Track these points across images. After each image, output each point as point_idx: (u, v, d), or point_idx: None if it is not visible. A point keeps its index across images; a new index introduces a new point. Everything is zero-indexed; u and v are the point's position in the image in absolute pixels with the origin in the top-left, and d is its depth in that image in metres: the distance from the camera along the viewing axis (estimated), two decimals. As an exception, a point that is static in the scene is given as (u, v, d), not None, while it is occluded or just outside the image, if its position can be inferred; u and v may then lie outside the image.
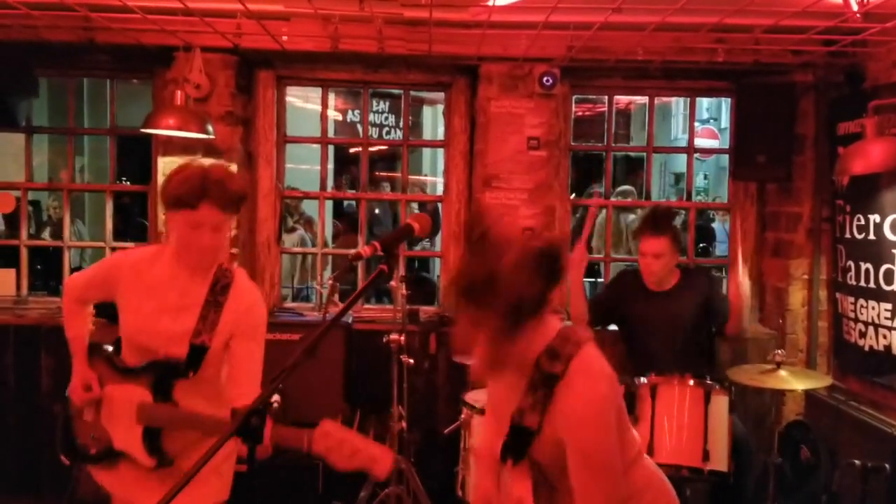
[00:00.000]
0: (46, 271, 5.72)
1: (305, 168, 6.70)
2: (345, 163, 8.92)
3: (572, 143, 4.91)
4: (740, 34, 4.02)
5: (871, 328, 3.91)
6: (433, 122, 10.01)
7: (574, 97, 4.90)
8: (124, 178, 5.76)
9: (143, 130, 4.14)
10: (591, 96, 6.03)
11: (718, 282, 4.36)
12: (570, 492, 1.79)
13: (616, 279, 4.29)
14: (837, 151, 4.16)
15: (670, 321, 3.76)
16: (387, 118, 9.65)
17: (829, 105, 4.39)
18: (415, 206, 5.99)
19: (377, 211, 9.16)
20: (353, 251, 4.48)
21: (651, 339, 3.81)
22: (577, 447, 1.74)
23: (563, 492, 1.83)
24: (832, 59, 4.24)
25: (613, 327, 4.18)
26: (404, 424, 3.93)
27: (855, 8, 3.34)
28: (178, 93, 4.10)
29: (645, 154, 5.08)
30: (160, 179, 4.49)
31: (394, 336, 3.87)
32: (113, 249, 4.86)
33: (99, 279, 2.58)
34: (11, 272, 4.83)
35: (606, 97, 4.96)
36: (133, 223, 6.99)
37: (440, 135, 8.23)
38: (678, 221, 5.08)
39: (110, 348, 2.61)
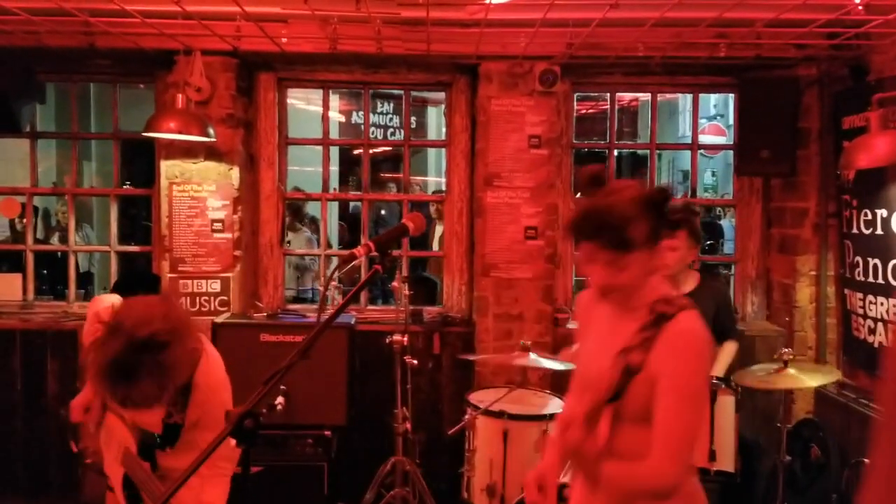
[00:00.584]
0: (53, 276, 5.74)
1: (311, 170, 6.71)
2: (351, 164, 8.93)
3: (574, 141, 4.89)
4: (741, 28, 3.98)
5: (880, 324, 3.88)
6: (438, 122, 10.00)
7: (575, 95, 4.88)
8: (128, 182, 5.76)
9: (144, 134, 4.15)
10: (593, 94, 6.00)
11: (728, 293, 4.29)
12: (645, 441, 1.84)
13: None
14: (842, 145, 4.12)
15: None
16: (391, 119, 9.65)
17: (833, 99, 4.35)
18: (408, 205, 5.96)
19: (383, 212, 9.17)
20: (347, 252, 4.50)
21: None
22: (670, 374, 1.80)
23: (634, 431, 1.88)
24: (835, 52, 4.20)
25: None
26: (409, 425, 3.92)
27: (857, 0, 3.31)
28: (179, 96, 4.11)
29: (657, 151, 5.05)
30: (163, 183, 4.51)
31: (397, 337, 3.86)
32: (118, 254, 4.88)
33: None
34: (17, 277, 4.86)
35: (608, 94, 4.94)
36: (139, 226, 7.01)
37: (444, 135, 8.23)
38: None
39: None
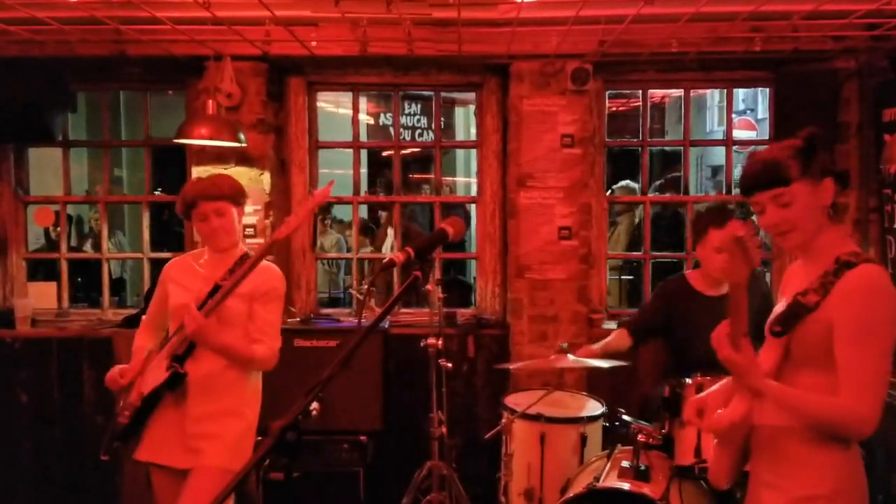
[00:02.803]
0: (87, 283, 5.78)
1: (340, 173, 6.69)
2: (379, 166, 8.91)
3: (607, 140, 4.83)
4: (778, 21, 3.90)
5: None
6: (466, 122, 9.96)
7: (607, 93, 4.82)
8: (160, 189, 5.80)
9: (175, 141, 4.15)
10: (624, 91, 5.93)
11: (771, 292, 4.19)
12: (813, 386, 1.94)
13: (661, 290, 4.04)
14: (884, 139, 4.03)
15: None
16: (419, 120, 9.61)
17: (874, 91, 4.25)
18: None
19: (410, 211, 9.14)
20: (386, 257, 4.47)
21: (702, 345, 3.66)
22: (846, 318, 1.87)
23: (804, 375, 1.98)
24: (875, 43, 4.11)
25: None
26: (444, 430, 3.88)
27: (898, -11, 3.23)
28: (210, 102, 4.11)
29: (681, 147, 4.97)
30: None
31: (431, 340, 3.82)
32: (150, 261, 4.90)
33: (157, 291, 3.09)
34: (52, 285, 4.90)
35: (641, 91, 4.87)
36: (171, 232, 7.05)
37: (473, 135, 8.18)
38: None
39: None
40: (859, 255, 1.96)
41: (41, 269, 5.25)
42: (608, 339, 3.86)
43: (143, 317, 3.17)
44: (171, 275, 3.02)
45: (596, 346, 3.82)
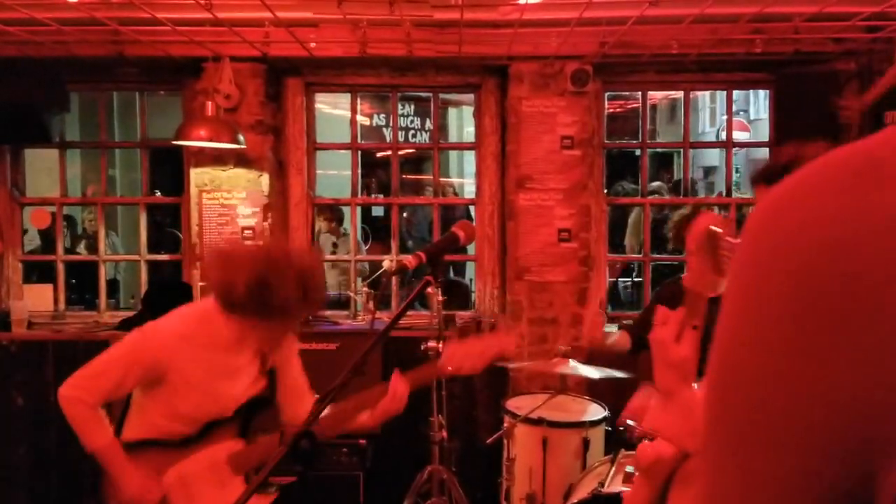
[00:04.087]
0: (81, 285, 5.73)
1: (332, 174, 6.66)
2: (371, 167, 8.87)
3: (606, 141, 4.82)
4: (779, 23, 3.90)
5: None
6: (458, 123, 9.93)
7: (606, 94, 4.81)
8: (157, 192, 5.75)
9: (174, 142, 4.12)
10: (623, 93, 5.93)
11: None
12: None
13: (659, 294, 4.07)
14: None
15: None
16: (412, 121, 9.58)
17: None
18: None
19: (405, 214, 9.11)
20: (387, 261, 4.45)
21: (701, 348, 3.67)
22: None
23: None
24: (876, 45, 4.11)
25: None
26: (444, 433, 3.86)
27: (902, -8, 3.23)
28: (209, 104, 4.08)
29: (674, 150, 4.97)
30: (193, 191, 4.48)
31: (431, 343, 3.79)
32: (148, 262, 4.86)
33: (138, 368, 2.30)
34: (48, 287, 4.85)
35: (640, 93, 4.87)
36: (165, 234, 7.00)
37: (466, 136, 8.14)
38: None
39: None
40: None
41: (35, 271, 5.20)
42: (614, 336, 3.87)
43: (84, 394, 2.28)
44: (175, 368, 2.29)
45: (607, 340, 3.82)
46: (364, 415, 2.43)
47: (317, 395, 2.42)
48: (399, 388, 2.38)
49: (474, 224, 5.06)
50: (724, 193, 5.12)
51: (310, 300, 2.22)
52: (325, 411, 1.99)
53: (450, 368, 2.40)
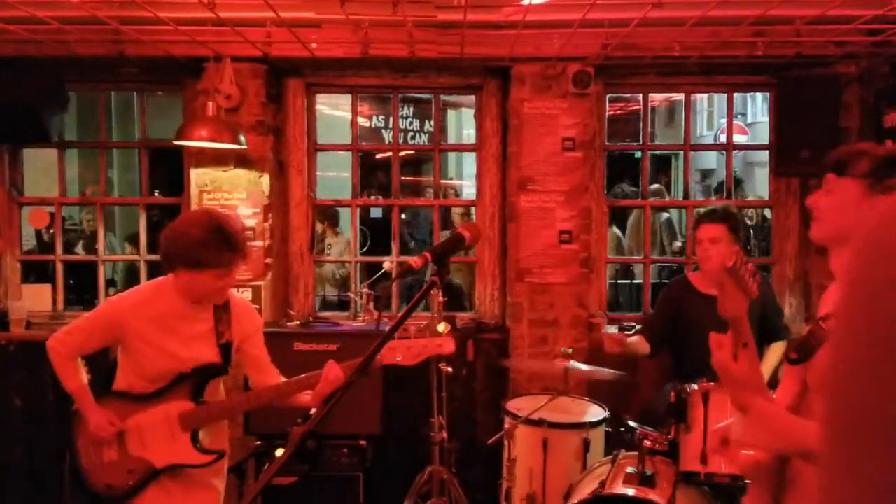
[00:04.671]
0: (79, 285, 5.71)
1: (332, 175, 6.65)
2: (370, 168, 8.87)
3: (607, 143, 4.82)
4: (781, 26, 3.90)
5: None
6: (458, 125, 9.93)
7: (608, 96, 4.81)
8: (155, 191, 5.73)
9: (175, 143, 4.11)
10: (625, 95, 5.93)
11: (773, 293, 4.21)
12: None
13: (665, 293, 4.11)
14: (885, 144, 4.03)
15: (725, 326, 3.62)
16: (412, 122, 9.58)
17: (875, 96, 4.27)
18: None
19: (403, 216, 9.10)
20: (387, 262, 4.44)
21: (704, 344, 3.68)
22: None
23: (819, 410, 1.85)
24: (876, 49, 4.12)
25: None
26: (444, 434, 3.86)
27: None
28: (210, 104, 4.07)
29: (673, 152, 4.98)
30: (193, 191, 4.47)
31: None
32: (147, 263, 4.84)
33: (99, 329, 2.72)
34: (47, 287, 4.84)
35: (640, 95, 4.87)
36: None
37: (465, 139, 8.13)
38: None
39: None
40: None
41: (33, 271, 5.18)
42: (633, 337, 3.88)
43: (60, 346, 2.72)
44: (132, 328, 2.66)
45: (628, 339, 3.83)
46: (305, 395, 2.77)
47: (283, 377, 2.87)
48: (331, 373, 2.64)
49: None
50: (723, 196, 5.13)
51: (230, 244, 2.57)
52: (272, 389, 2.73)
53: (387, 361, 2.68)
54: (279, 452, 2.58)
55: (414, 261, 1.98)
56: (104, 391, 2.77)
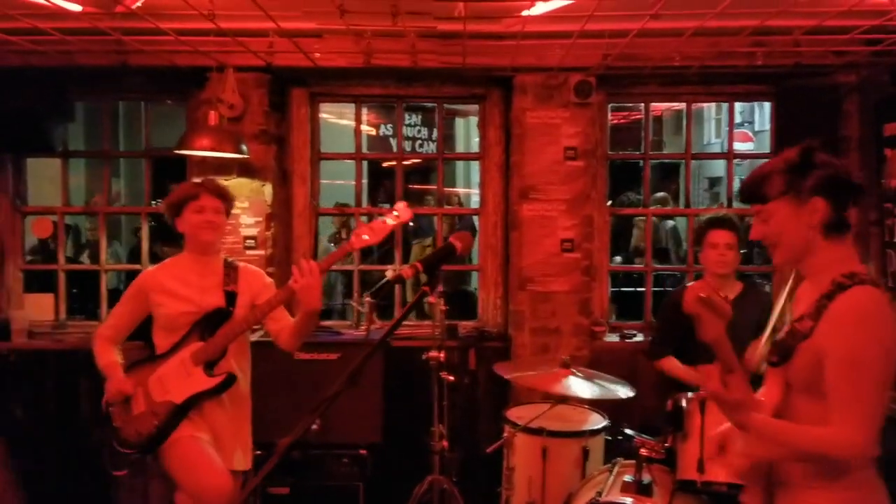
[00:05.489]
0: (83, 294, 5.73)
1: (340, 183, 6.68)
2: (378, 177, 8.90)
3: (609, 153, 4.83)
4: (780, 36, 3.91)
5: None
6: (466, 133, 9.96)
7: (610, 105, 4.82)
8: (160, 200, 5.76)
9: (177, 152, 4.14)
10: (627, 104, 5.95)
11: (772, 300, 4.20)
12: (814, 414, 1.88)
13: (666, 304, 4.09)
14: (885, 154, 4.03)
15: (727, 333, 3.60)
16: (419, 131, 9.62)
17: (875, 106, 4.27)
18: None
19: (411, 224, 9.11)
20: (390, 271, 4.44)
21: (704, 352, 3.66)
22: (836, 345, 1.82)
23: (804, 403, 1.92)
24: (876, 58, 4.12)
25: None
26: (446, 443, 3.86)
27: (902, 5, 3.24)
28: (212, 113, 4.10)
29: (680, 160, 4.98)
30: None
31: (433, 353, 3.80)
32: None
33: (131, 299, 3.19)
34: (49, 297, 4.85)
35: (643, 105, 4.88)
36: (169, 244, 7.02)
37: (473, 146, 8.16)
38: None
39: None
40: (854, 276, 1.88)
41: (36, 281, 5.19)
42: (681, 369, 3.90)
43: (101, 328, 3.25)
44: (155, 285, 3.13)
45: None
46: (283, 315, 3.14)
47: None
48: (302, 265, 2.89)
49: (477, 233, 5.08)
50: (724, 204, 5.13)
51: (202, 185, 3.17)
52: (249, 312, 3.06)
53: (356, 246, 2.97)
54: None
55: (405, 270, 2.00)
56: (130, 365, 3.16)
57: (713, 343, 1.85)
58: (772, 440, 1.90)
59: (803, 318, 1.91)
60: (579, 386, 3.52)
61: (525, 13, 3.56)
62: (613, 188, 6.89)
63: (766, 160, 2.08)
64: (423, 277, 2.09)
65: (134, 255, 6.02)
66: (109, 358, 3.15)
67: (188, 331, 3.08)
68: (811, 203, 1.91)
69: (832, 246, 1.94)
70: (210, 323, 3.09)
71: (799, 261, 1.98)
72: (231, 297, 3.13)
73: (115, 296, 5.27)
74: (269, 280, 3.32)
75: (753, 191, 2.00)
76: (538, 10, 3.52)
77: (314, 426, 3.69)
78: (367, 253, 6.36)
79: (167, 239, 6.14)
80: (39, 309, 4.82)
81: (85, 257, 6.81)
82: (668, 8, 3.13)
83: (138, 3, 3.38)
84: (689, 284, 3.38)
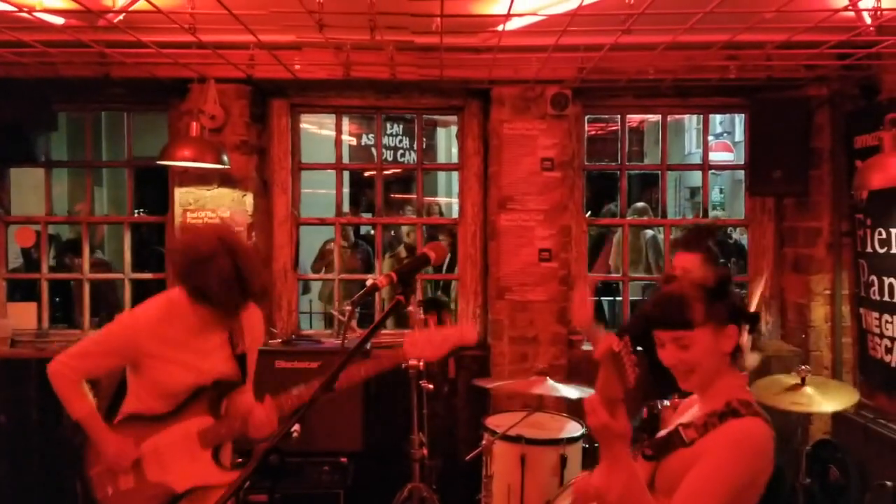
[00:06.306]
0: (66, 303, 5.74)
1: (323, 192, 6.71)
2: (360, 186, 8.94)
3: (586, 163, 4.90)
4: (752, 50, 4.00)
5: (896, 344, 3.86)
6: (447, 143, 10.02)
7: (586, 117, 4.89)
8: (142, 210, 5.78)
9: (159, 163, 4.17)
10: (603, 116, 6.03)
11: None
12: None
13: (641, 308, 4.17)
14: (855, 165, 4.12)
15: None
16: (401, 140, 9.66)
17: (845, 118, 4.35)
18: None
19: (393, 233, 9.17)
20: (369, 281, 4.48)
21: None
22: (709, 461, 1.84)
23: None
24: (846, 72, 4.21)
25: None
26: (425, 451, 3.90)
27: (868, 21, 3.32)
28: (194, 124, 4.13)
29: (659, 171, 5.06)
30: (177, 210, 4.52)
31: (412, 361, 3.83)
32: (132, 281, 4.89)
33: (113, 351, 2.63)
34: (32, 306, 4.86)
35: (619, 116, 4.96)
36: (152, 252, 7.03)
37: (454, 156, 8.22)
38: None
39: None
40: (750, 407, 1.93)
41: (19, 289, 5.21)
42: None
43: (70, 370, 2.62)
44: (149, 346, 2.57)
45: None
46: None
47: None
48: (258, 415, 2.55)
49: (447, 244, 5.12)
50: (700, 214, 5.21)
51: (249, 295, 2.50)
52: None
53: (412, 356, 2.61)
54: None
55: (379, 280, 2.04)
56: (114, 415, 2.67)
57: (607, 401, 1.78)
58: (628, 487, 1.82)
59: (689, 427, 1.94)
60: (556, 390, 3.59)
61: (500, 27, 3.63)
62: (595, 199, 6.98)
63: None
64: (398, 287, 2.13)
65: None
66: (86, 406, 2.61)
67: (189, 397, 2.63)
68: (727, 329, 1.97)
69: (733, 372, 2.01)
70: (220, 392, 2.67)
71: (707, 386, 2.00)
72: (242, 362, 2.72)
73: (96, 304, 5.30)
74: (263, 337, 2.96)
75: (675, 317, 1.97)
76: (513, 24, 3.59)
77: (294, 434, 3.70)
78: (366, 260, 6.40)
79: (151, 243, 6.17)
80: (22, 318, 4.82)
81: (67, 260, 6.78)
82: (640, 23, 3.19)
83: (120, 17, 3.42)
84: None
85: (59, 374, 2.61)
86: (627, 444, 1.81)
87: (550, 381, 3.74)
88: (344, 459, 4.13)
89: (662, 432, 2.07)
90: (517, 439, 3.57)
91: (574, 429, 3.79)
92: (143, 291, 4.71)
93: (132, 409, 2.65)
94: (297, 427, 3.72)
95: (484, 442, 3.71)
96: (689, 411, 2.10)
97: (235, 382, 2.70)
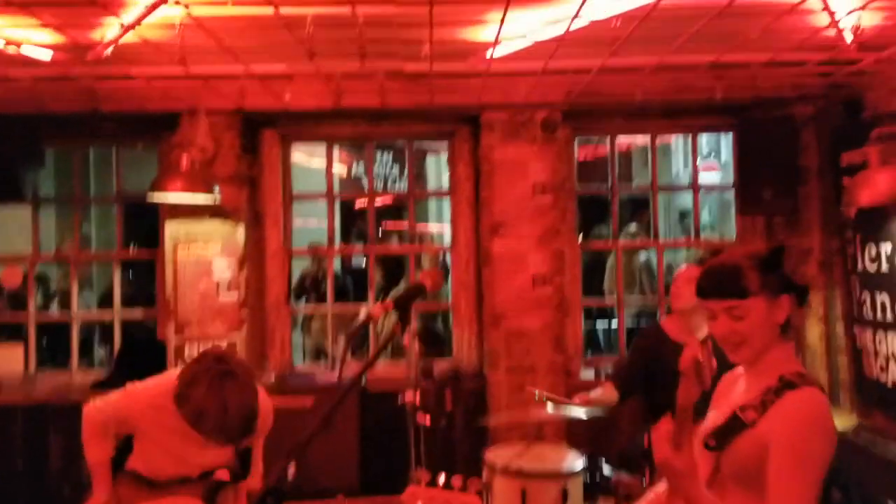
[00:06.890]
0: (54, 344, 5.64)
1: (314, 222, 6.67)
2: (353, 216, 8.91)
3: (577, 187, 4.89)
4: (738, 70, 4.02)
5: (892, 361, 3.83)
6: (437, 171, 10.02)
7: (576, 140, 4.89)
8: (132, 244, 5.73)
9: (150, 197, 4.11)
10: (593, 138, 6.04)
11: None
12: (740, 498, 1.89)
13: (637, 344, 4.07)
14: (842, 182, 4.13)
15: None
16: (391, 169, 9.67)
17: (831, 136, 4.36)
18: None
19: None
20: (363, 312, 4.46)
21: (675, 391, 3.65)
22: (785, 443, 1.81)
23: (732, 492, 1.92)
24: (831, 90, 4.24)
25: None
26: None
27: (849, 40, 3.34)
28: (185, 156, 4.08)
29: (650, 193, 5.06)
30: (168, 244, 4.47)
31: (409, 396, 3.77)
32: (123, 321, 4.81)
33: (118, 417, 2.64)
34: (19, 348, 4.74)
35: (608, 138, 4.96)
36: (143, 288, 6.95)
37: (444, 183, 8.22)
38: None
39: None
40: (804, 377, 1.90)
41: (3, 331, 5.09)
42: (598, 391, 3.85)
43: (98, 413, 2.66)
44: (146, 428, 2.58)
45: (590, 395, 3.81)
46: None
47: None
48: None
49: (447, 269, 5.09)
50: (692, 237, 5.20)
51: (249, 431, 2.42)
52: None
53: None
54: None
55: (374, 310, 2.01)
56: (120, 466, 2.68)
57: (680, 409, 1.83)
58: None
59: (747, 409, 1.91)
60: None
61: (489, 53, 3.63)
62: (587, 223, 6.96)
63: (728, 256, 2.00)
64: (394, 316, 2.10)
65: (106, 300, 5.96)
66: (102, 454, 2.64)
67: (177, 481, 2.61)
68: (780, 300, 1.92)
69: (783, 343, 1.96)
70: (217, 487, 2.63)
71: (757, 359, 1.97)
72: (245, 456, 2.68)
73: (85, 345, 5.22)
74: (270, 425, 2.79)
75: (729, 286, 1.93)
76: (501, 50, 3.59)
77: (290, 474, 3.64)
78: (342, 292, 6.35)
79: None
80: (8, 361, 4.70)
81: (55, 307, 6.70)
82: (627, 46, 3.21)
83: (108, 50, 3.40)
84: (662, 320, 3.36)
85: (90, 417, 2.66)
86: (693, 480, 1.80)
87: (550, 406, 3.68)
88: (341, 497, 4.05)
89: (716, 418, 2.01)
90: (518, 473, 3.50)
91: (575, 461, 3.72)
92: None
93: (134, 466, 2.67)
94: (292, 468, 3.68)
95: (483, 477, 3.62)
96: (731, 392, 2.06)
97: (234, 474, 2.65)
